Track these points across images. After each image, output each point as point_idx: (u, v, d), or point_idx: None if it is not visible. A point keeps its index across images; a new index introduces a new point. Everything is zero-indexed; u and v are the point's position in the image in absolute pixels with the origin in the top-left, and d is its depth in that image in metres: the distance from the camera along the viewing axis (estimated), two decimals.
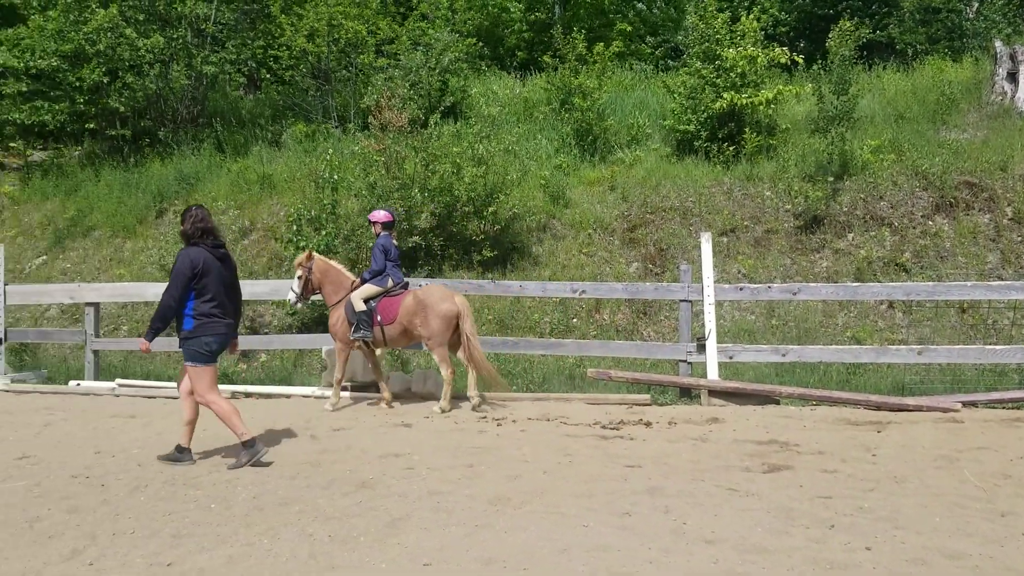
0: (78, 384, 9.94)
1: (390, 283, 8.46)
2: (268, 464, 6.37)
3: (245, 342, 10.64)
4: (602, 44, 15.25)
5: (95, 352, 10.26)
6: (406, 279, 8.78)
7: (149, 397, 9.40)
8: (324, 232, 10.99)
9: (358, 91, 14.85)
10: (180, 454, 6.48)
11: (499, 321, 10.85)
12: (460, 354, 8.41)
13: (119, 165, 14.43)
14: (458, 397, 8.64)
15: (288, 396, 9.32)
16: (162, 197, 13.54)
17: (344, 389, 9.27)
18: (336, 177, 11.33)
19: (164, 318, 6.28)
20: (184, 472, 6.19)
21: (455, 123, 13.64)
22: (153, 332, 6.33)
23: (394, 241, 8.70)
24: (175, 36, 14.45)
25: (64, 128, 15.02)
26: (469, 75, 15.35)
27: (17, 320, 11.50)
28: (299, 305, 8.74)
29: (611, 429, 7.54)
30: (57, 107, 14.19)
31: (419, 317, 8.18)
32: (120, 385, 9.70)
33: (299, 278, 8.53)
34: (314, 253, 8.72)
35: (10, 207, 14.47)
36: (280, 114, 15.57)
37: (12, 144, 15.87)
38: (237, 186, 13.33)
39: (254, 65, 16.49)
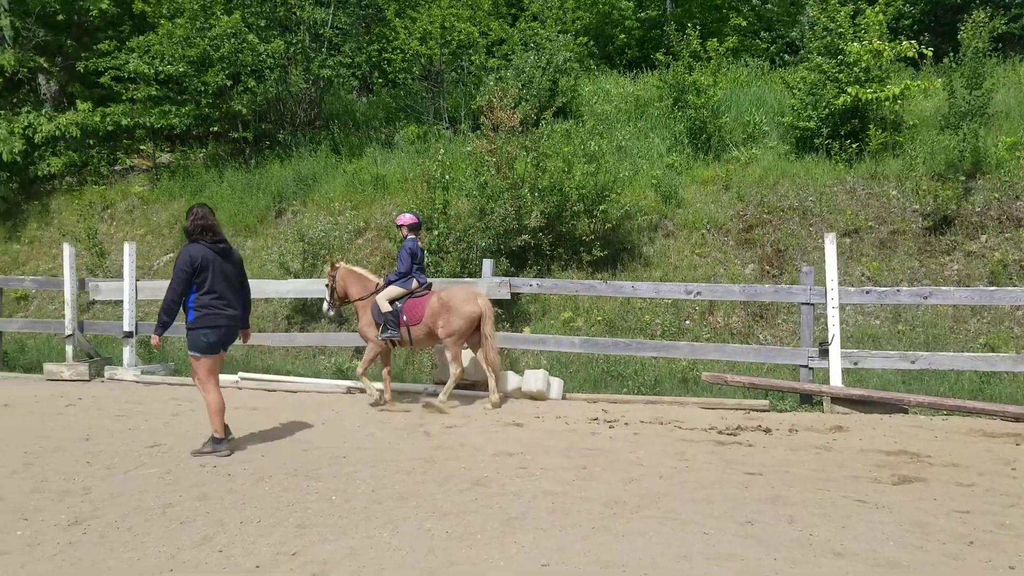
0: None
1: (415, 284, 8.63)
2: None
3: (358, 339, 10.85)
4: (715, 40, 14.92)
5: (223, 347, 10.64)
6: (430, 280, 8.99)
7: (269, 390, 9.70)
8: (436, 232, 11.10)
9: (469, 92, 14.98)
10: (215, 445, 6.68)
11: (608, 322, 10.73)
12: (479, 354, 8.58)
13: (241, 166, 14.96)
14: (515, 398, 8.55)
15: (401, 393, 9.44)
16: (281, 197, 13.97)
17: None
18: (448, 177, 11.43)
19: (168, 312, 6.55)
20: (305, 464, 6.33)
21: (565, 122, 13.58)
22: (161, 326, 6.61)
23: (420, 244, 8.88)
24: (294, 41, 14.89)
25: (190, 131, 15.68)
26: (580, 74, 15.26)
27: (146, 315, 12.05)
28: (331, 312, 9.05)
29: (728, 435, 7.33)
30: (183, 111, 14.81)
31: (443, 318, 8.33)
32: (243, 378, 10.05)
33: (327, 287, 8.89)
34: (337, 263, 9.03)
35: (140, 206, 15.20)
36: (393, 116, 15.85)
37: (142, 147, 16.69)
38: (352, 186, 13.63)
39: (368, 68, 16.85)
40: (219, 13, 14.36)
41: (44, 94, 17.04)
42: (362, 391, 9.52)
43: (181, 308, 6.62)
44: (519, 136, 11.48)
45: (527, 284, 9.91)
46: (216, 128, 15.22)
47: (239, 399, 9.21)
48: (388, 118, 15.82)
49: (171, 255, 13.91)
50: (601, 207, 11.01)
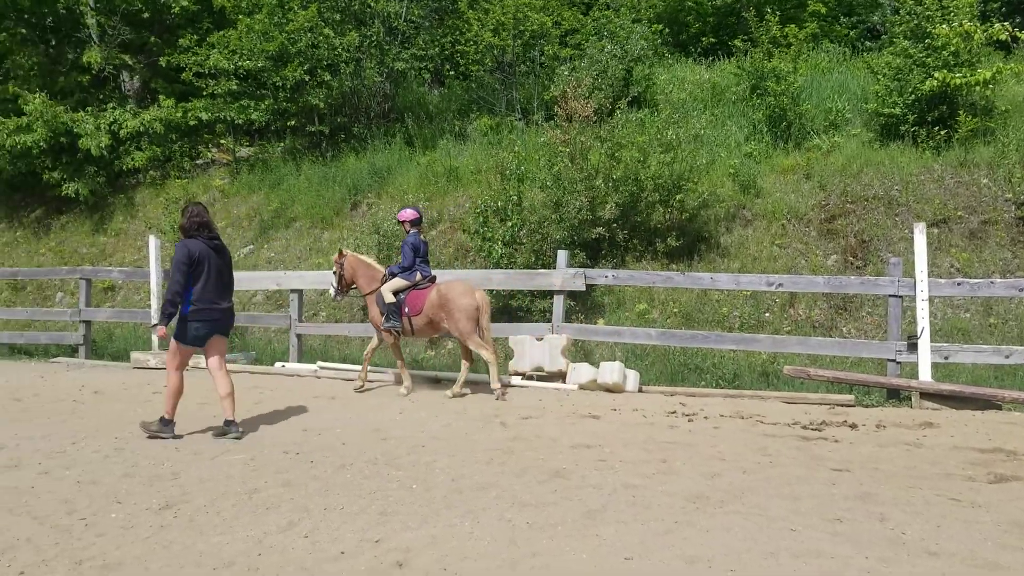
0: (283, 365, 10.54)
1: (418, 277, 8.92)
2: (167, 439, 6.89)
3: None
4: (794, 26, 14.53)
5: (298, 336, 10.84)
6: (433, 273, 9.19)
7: (347, 380, 9.82)
8: (509, 223, 11.08)
9: (542, 83, 14.91)
10: (229, 427, 7.04)
11: (685, 314, 10.57)
12: (483, 351, 8.67)
13: (317, 160, 15.19)
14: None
15: (475, 383, 9.46)
16: (356, 190, 14.13)
17: (530, 378, 9.34)
18: (522, 169, 11.40)
19: (173, 303, 6.85)
20: (385, 453, 6.38)
21: (640, 111, 13.40)
22: (166, 317, 6.90)
23: (422, 237, 9.13)
24: (369, 34, 15.03)
25: (268, 125, 15.98)
26: (654, 62, 15.04)
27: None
28: (338, 298, 9.48)
29: (813, 430, 7.14)
30: (262, 106, 15.09)
31: (444, 311, 8.59)
32: (321, 367, 10.21)
33: (334, 274, 9.19)
34: (345, 251, 9.31)
35: (220, 200, 15.56)
36: (465, 108, 15.88)
37: (222, 141, 17.07)
38: (426, 179, 13.71)
39: (440, 61, 16.92)
40: (296, 8, 14.58)
41: (128, 91, 17.57)
42: (437, 381, 9.59)
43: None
44: (593, 126, 11.38)
45: (603, 275, 9.83)
46: (293, 122, 15.46)
47: (318, 388, 9.37)
48: (461, 110, 15.86)
49: (251, 247, 14.22)
50: (678, 197, 10.84)
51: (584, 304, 10.93)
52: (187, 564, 4.31)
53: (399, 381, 9.22)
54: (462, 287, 8.72)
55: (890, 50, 12.84)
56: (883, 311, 9.61)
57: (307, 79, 14.58)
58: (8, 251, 16.20)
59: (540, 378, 9.29)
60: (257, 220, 14.59)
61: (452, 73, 17.30)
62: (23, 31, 16.48)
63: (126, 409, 8.30)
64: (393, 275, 8.92)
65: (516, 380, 9.33)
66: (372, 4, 15.04)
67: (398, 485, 5.55)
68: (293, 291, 10.93)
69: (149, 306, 11.50)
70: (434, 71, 17.21)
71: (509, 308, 11.08)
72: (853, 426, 7.25)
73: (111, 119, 15.70)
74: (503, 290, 10.85)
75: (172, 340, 7.05)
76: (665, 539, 4.55)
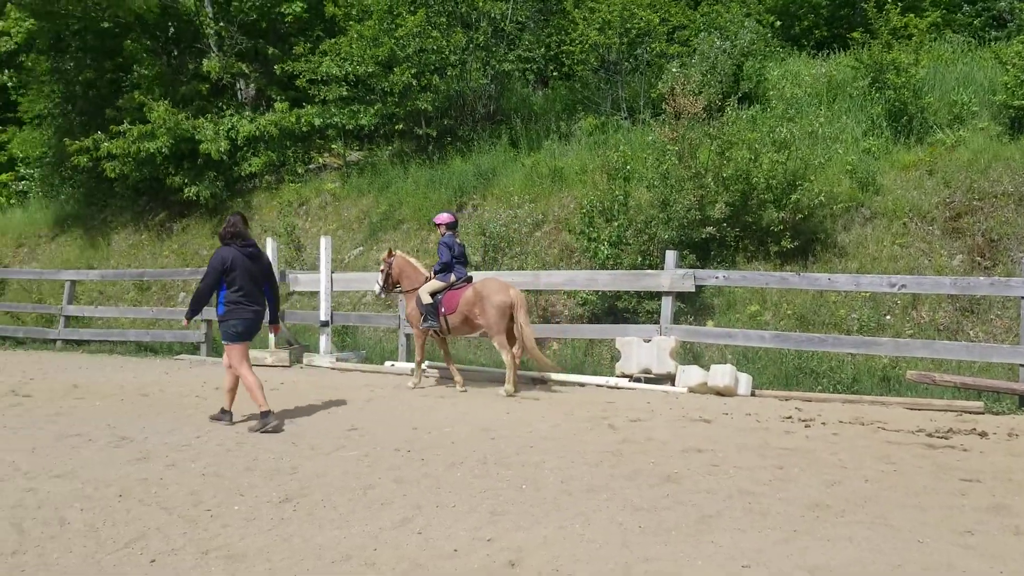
0: (392, 364, 10.74)
1: (453, 278, 9.29)
2: (277, 432, 7.28)
3: (538, 330, 10.95)
4: (914, 15, 13.91)
5: (407, 336, 11.02)
6: (469, 274, 9.56)
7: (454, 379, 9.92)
8: (616, 223, 10.98)
9: (648, 81, 14.73)
10: (222, 415, 7.64)
11: (800, 316, 10.24)
12: (515, 347, 8.98)
13: (424, 162, 15.42)
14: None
15: (582, 384, 9.42)
16: (462, 192, 14.28)
17: (637, 381, 9.23)
18: (628, 168, 11.27)
19: (198, 301, 7.48)
20: (494, 452, 6.40)
21: (751, 108, 13.07)
22: (191, 312, 7.61)
23: (457, 239, 9.53)
24: (475, 36, 15.17)
25: (377, 130, 16.32)
26: (766, 57, 14.64)
27: (339, 305, 12.65)
28: (382, 295, 9.89)
29: (939, 438, 6.80)
30: (372, 111, 15.42)
31: (477, 307, 8.88)
32: (428, 367, 10.34)
33: (381, 272, 9.63)
34: (395, 251, 9.80)
35: (332, 203, 15.98)
36: (570, 108, 15.84)
37: (333, 146, 17.54)
38: (530, 180, 13.73)
39: (545, 61, 16.92)
40: (404, 13, 14.83)
41: (244, 98, 18.26)
42: (543, 382, 9.60)
43: (212, 303, 7.61)
44: (702, 123, 11.16)
45: (713, 276, 9.62)
46: (401, 126, 15.75)
47: (427, 387, 9.51)
48: (565, 110, 15.82)
49: (361, 248, 14.55)
50: (793, 196, 10.49)
51: (693, 305, 10.73)
52: (307, 557, 4.41)
53: (450, 377, 9.68)
54: (496, 284, 8.99)
55: (1020, 38, 12.12)
56: (1014, 313, 9.07)
57: (415, 83, 14.81)
58: (134, 253, 17.07)
59: (648, 380, 9.18)
60: (366, 222, 14.91)
61: (556, 74, 17.27)
62: (148, 42, 17.34)
63: (247, 405, 8.59)
64: (434, 276, 9.35)
65: (624, 382, 9.23)
66: (479, 5, 15.16)
67: (508, 485, 5.56)
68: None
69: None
70: (539, 72, 17.23)
71: (615, 309, 10.98)
72: (983, 434, 6.88)
73: (229, 125, 16.34)
74: (609, 291, 10.76)
75: (224, 343, 7.60)
76: (783, 548, 4.41)
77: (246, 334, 7.52)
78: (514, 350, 8.95)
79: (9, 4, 16.35)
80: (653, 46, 14.89)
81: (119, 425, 7.59)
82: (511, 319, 8.87)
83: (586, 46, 15.09)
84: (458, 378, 9.45)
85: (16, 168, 20.29)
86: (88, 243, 17.62)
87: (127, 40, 16.87)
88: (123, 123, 16.14)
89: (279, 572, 4.24)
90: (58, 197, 19.20)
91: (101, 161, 16.25)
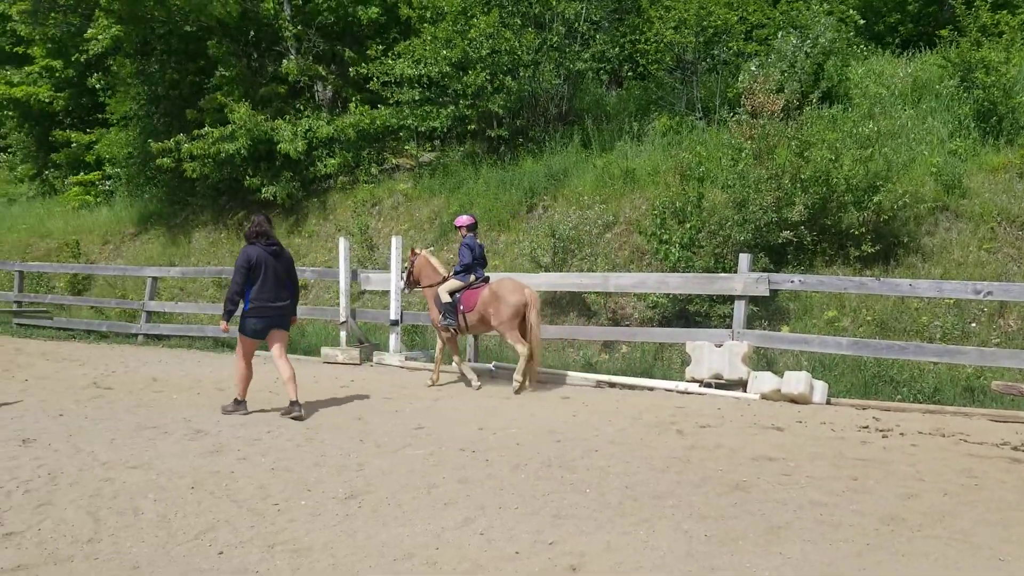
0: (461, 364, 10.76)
1: (472, 278, 9.60)
2: (227, 414, 7.91)
3: (607, 333, 10.86)
4: (1006, 12, 13.34)
5: (475, 336, 11.04)
6: (487, 275, 9.83)
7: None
8: (688, 225, 10.80)
9: (725, 80, 14.47)
10: (292, 407, 7.81)
11: (879, 323, 9.90)
12: (527, 339, 9.19)
13: (496, 163, 15.44)
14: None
15: (651, 388, 9.29)
16: (532, 193, 14.24)
17: (708, 386, 9.06)
18: (703, 168, 11.07)
19: (232, 301, 7.80)
20: (559, 455, 6.35)
21: (832, 107, 12.70)
22: (227, 313, 7.84)
23: (478, 241, 9.88)
24: (548, 38, 15.13)
25: (449, 131, 16.42)
26: (848, 56, 14.20)
27: (409, 304, 12.75)
28: (407, 291, 10.28)
29: None
30: (444, 113, 15.52)
31: (492, 307, 9.18)
32: (496, 367, 10.34)
33: (404, 270, 10.15)
34: (418, 250, 10.11)
35: (404, 203, 16.14)
36: (644, 108, 15.66)
37: (406, 147, 17.72)
38: (602, 180, 13.62)
39: (619, 61, 16.77)
40: (478, 14, 14.89)
41: (321, 100, 18.58)
42: (611, 385, 9.50)
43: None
44: (780, 123, 10.88)
45: (788, 280, 9.38)
46: (473, 127, 15.81)
47: (493, 387, 9.49)
48: (639, 110, 15.65)
49: (431, 249, 14.63)
50: (875, 198, 10.14)
51: (767, 310, 10.48)
52: (370, 553, 4.44)
53: (462, 377, 9.88)
54: (512, 284, 9.31)
55: None
56: None
57: (488, 84, 14.85)
58: (214, 251, 17.54)
59: (719, 386, 8.99)
60: (437, 223, 15.00)
61: (631, 73, 17.10)
62: (229, 46, 17.81)
63: (316, 401, 8.73)
64: (455, 275, 9.67)
65: (693, 387, 9.07)
66: (553, 5, 15.11)
67: (572, 488, 5.51)
68: None
69: (338, 304, 12.07)
70: (613, 71, 17.09)
71: (686, 313, 10.80)
72: None
73: (306, 127, 16.65)
74: (680, 294, 10.58)
75: (238, 336, 8.00)
76: (856, 561, 4.27)
77: (263, 332, 7.93)
78: (529, 346, 9.14)
79: (97, 10, 16.96)
80: (730, 45, 14.62)
81: (194, 418, 7.79)
82: (523, 318, 9.19)
83: (661, 45, 14.90)
84: (471, 375, 9.73)
85: (103, 168, 21.04)
86: (170, 241, 18.18)
87: (209, 43, 17.35)
88: (204, 124, 16.59)
89: (342, 568, 4.27)
90: (142, 196, 19.84)
91: (182, 162, 16.73)
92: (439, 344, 9.93)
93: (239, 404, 8.03)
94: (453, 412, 8.07)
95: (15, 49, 22.82)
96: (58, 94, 22.27)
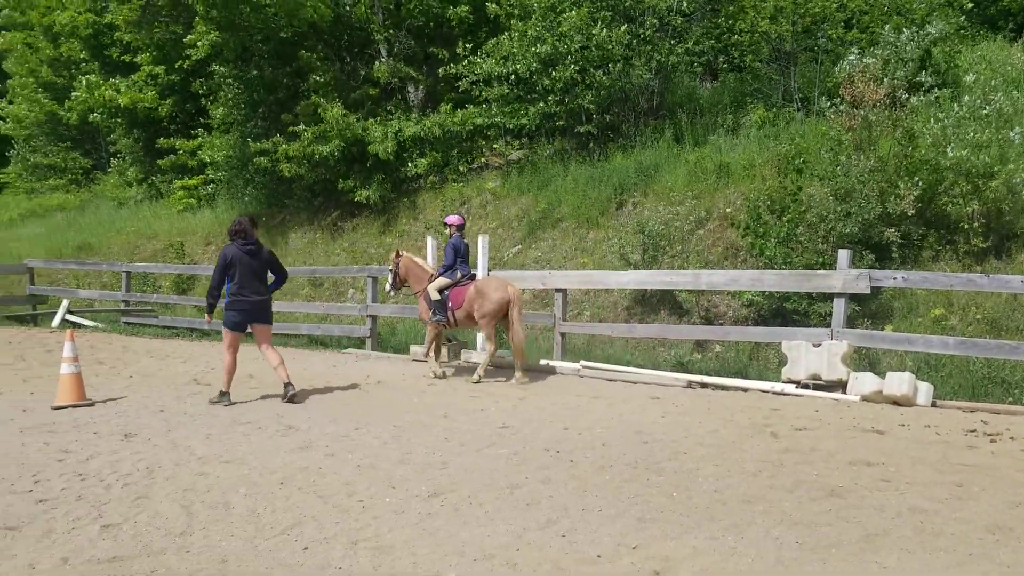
0: (547, 363, 10.70)
1: (459, 275, 10.20)
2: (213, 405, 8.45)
3: (699, 331, 10.60)
4: None
5: (562, 334, 10.97)
6: (473, 272, 10.61)
7: (610, 380, 9.76)
8: (785, 219, 10.45)
9: (824, 70, 13.95)
10: (223, 396, 8.51)
11: (990, 321, 9.36)
12: (509, 335, 9.84)
13: (585, 160, 15.32)
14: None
15: (745, 389, 9.02)
16: (622, 189, 14.06)
17: (806, 387, 8.74)
18: (801, 160, 10.68)
19: (211, 295, 8.59)
20: (646, 457, 6.21)
21: (939, 94, 12.09)
22: (208, 307, 8.73)
23: (464, 241, 10.45)
24: (639, 32, 14.91)
25: (538, 128, 16.36)
26: (957, 41, 13.49)
27: None
28: (392, 292, 10.74)
29: None
30: (532, 110, 15.47)
31: (477, 302, 9.74)
32: (584, 367, 10.23)
33: (390, 271, 10.54)
34: (402, 252, 10.67)
35: (492, 202, 16.18)
36: (738, 101, 15.27)
37: (495, 145, 17.76)
38: (694, 176, 13.34)
39: (713, 53, 16.40)
40: (567, 9, 14.78)
41: (412, 101, 18.81)
42: (703, 385, 9.27)
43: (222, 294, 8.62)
44: (884, 112, 10.41)
45: (891, 277, 8.94)
46: (561, 123, 15.72)
47: (581, 387, 9.39)
48: (733, 103, 15.26)
49: (519, 247, 14.64)
50: (992, 183, 9.53)
51: (869, 308, 10.04)
52: (451, 552, 4.42)
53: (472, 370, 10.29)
54: (496, 283, 9.91)
55: None
56: None
57: (577, 80, 14.73)
58: (308, 251, 17.96)
59: (816, 387, 8.66)
60: (526, 220, 14.98)
61: (725, 65, 16.70)
62: (323, 50, 18.21)
63: (404, 399, 8.81)
64: (441, 274, 10.25)
65: (790, 388, 8.76)
66: None
67: (658, 491, 5.37)
68: (558, 290, 11.07)
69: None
70: (706, 64, 16.72)
71: (783, 311, 10.46)
72: None
73: (396, 127, 16.89)
74: (776, 292, 10.25)
75: (223, 329, 8.70)
76: (957, 572, 4.07)
77: (242, 324, 8.66)
78: (512, 342, 9.80)
79: (197, 18, 17.59)
80: (830, 33, 14.08)
81: (286, 414, 7.96)
82: (506, 315, 9.73)
83: (756, 35, 14.48)
84: (436, 369, 10.26)
85: (206, 172, 21.83)
86: (267, 241, 18.68)
87: (303, 49, 17.78)
88: (299, 126, 17.01)
89: (422, 566, 4.26)
90: (242, 198, 20.49)
91: (279, 163, 17.19)
92: (428, 338, 10.43)
93: (223, 395, 8.54)
94: (538, 411, 8.01)
95: (122, 58, 23.89)
96: (163, 101, 23.22)
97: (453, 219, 10.51)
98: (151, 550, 4.53)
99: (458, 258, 10.26)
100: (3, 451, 6.67)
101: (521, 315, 9.79)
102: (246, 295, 8.58)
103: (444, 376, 10.18)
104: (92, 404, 8.49)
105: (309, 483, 5.68)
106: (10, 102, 30.98)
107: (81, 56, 26.60)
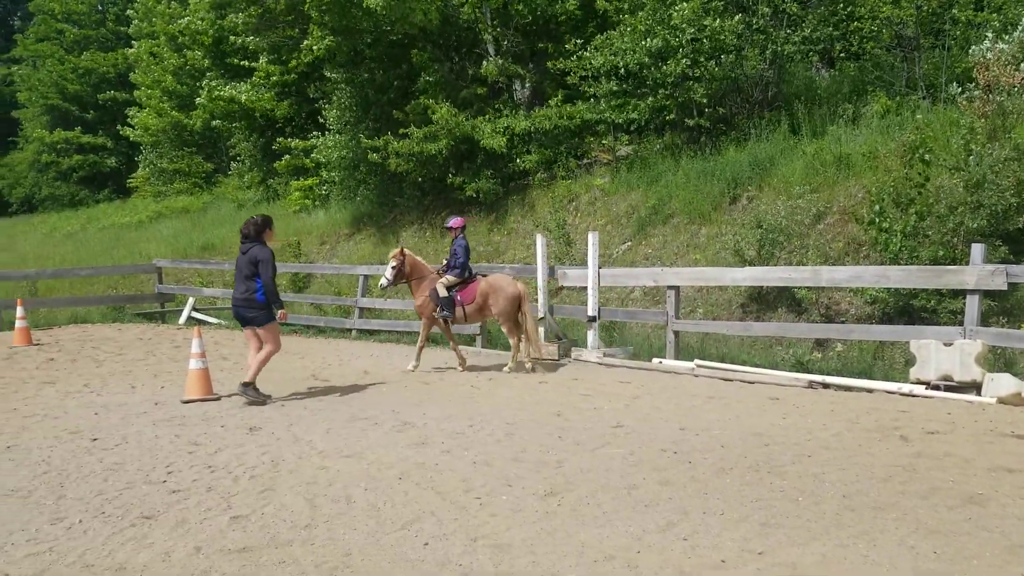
0: (660, 362, 10.53)
1: (466, 274, 10.84)
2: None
3: (820, 330, 10.22)
4: None
5: (675, 332, 10.77)
6: (476, 270, 11.31)
7: (726, 380, 9.51)
8: (912, 211, 9.95)
9: (952, 55, 13.23)
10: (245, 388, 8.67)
11: None
12: (511, 337, 10.68)
13: (696, 154, 15.00)
14: None
15: (870, 390, 8.64)
16: (735, 183, 13.69)
17: (936, 388, 8.31)
18: (928, 150, 10.14)
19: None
20: (768, 459, 6.01)
21: None
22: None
23: (466, 241, 11.03)
24: (753, 20, 14.50)
25: (647, 123, 16.12)
26: None
27: (606, 300, 12.64)
28: (385, 285, 10.85)
29: None
30: (642, 105, 15.24)
31: (492, 298, 10.47)
32: (698, 366, 10.01)
33: (392, 268, 10.73)
34: (405, 249, 11.03)
35: (601, 198, 16.05)
36: (859, 89, 14.65)
37: (604, 141, 17.61)
38: (812, 168, 12.86)
39: (831, 41, 15.78)
40: (678, 1, 14.51)
41: (519, 99, 18.84)
42: (825, 386, 8.93)
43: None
44: (1021, 98, 9.77)
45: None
46: (672, 117, 15.44)
47: (695, 387, 9.19)
48: (854, 92, 14.65)
49: (628, 244, 14.46)
50: None
51: (1005, 305, 9.46)
52: (569, 553, 4.37)
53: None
54: (506, 279, 10.73)
55: None
56: None
57: (688, 72, 14.44)
58: (420, 249, 18.18)
59: (948, 388, 8.22)
60: (635, 217, 14.79)
61: (843, 54, 16.05)
62: (431, 51, 18.47)
63: (516, 396, 8.82)
64: (447, 271, 10.80)
65: (919, 390, 8.34)
66: None
67: (782, 495, 5.19)
68: (670, 287, 10.87)
69: (536, 300, 12.16)
70: (823, 52, 16.12)
71: (910, 309, 9.96)
72: None
73: (505, 124, 16.96)
74: (903, 288, 9.77)
75: None
76: None
77: (238, 321, 9.00)
78: (526, 332, 10.47)
79: (311, 24, 18.12)
80: (959, 16, 13.33)
81: (402, 410, 8.09)
82: (519, 309, 10.43)
83: (878, 21, 13.85)
84: (462, 357, 10.94)
85: (320, 173, 22.50)
86: (380, 240, 19.11)
87: (413, 50, 18.06)
88: (410, 126, 17.31)
89: (542, 566, 4.23)
90: (354, 198, 21.01)
91: (389, 160, 17.55)
92: (423, 333, 11.05)
93: (245, 388, 8.69)
94: (653, 411, 7.87)
95: (241, 63, 24.87)
96: (279, 103, 24.05)
97: (458, 222, 11.09)
98: (278, 541, 4.66)
99: (467, 258, 10.92)
100: (138, 443, 7.02)
101: (531, 310, 10.73)
102: (233, 294, 8.86)
103: (415, 370, 10.75)
104: (218, 398, 8.84)
105: (426, 479, 5.74)
106: (138, 110, 32.75)
107: (204, 63, 27.82)
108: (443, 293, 10.61)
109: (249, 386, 8.59)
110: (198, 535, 4.78)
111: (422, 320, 11.08)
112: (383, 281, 10.87)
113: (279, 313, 8.75)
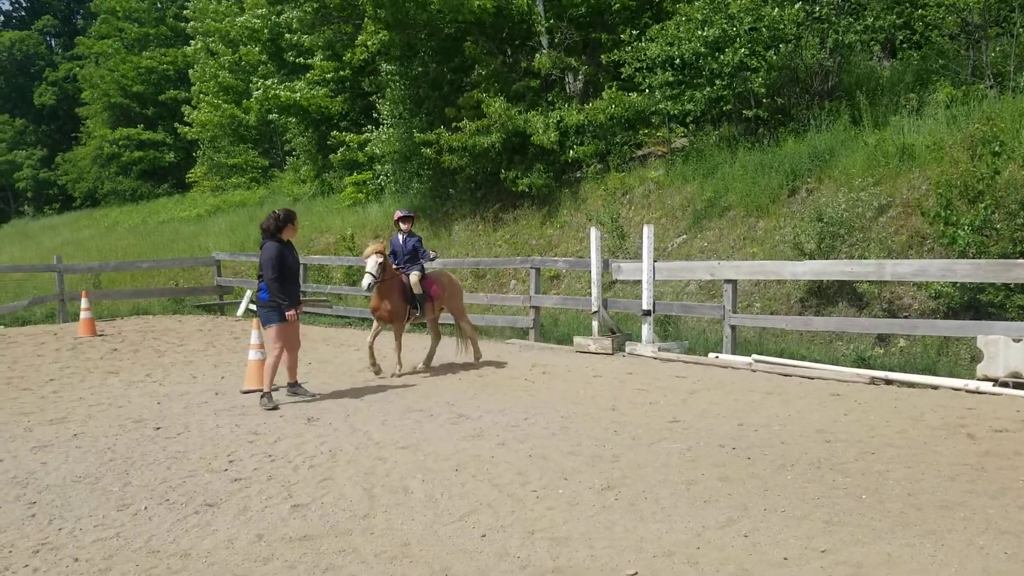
0: (716, 356, 10.39)
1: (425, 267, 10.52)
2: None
3: (882, 325, 10.00)
4: None
5: (732, 327, 10.61)
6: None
7: (784, 375, 9.34)
8: (981, 205, 9.65)
9: (1021, 42, 12.79)
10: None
11: None
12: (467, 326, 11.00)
13: (753, 146, 14.75)
14: None
15: (935, 387, 8.41)
16: (795, 175, 13.43)
17: (1004, 385, 8.05)
18: (998, 140, 9.82)
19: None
20: (830, 456, 5.89)
21: None
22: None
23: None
24: (814, 10, 14.21)
25: (703, 114, 15.90)
26: None
27: (661, 294, 12.51)
28: (368, 285, 9.88)
29: None
30: (698, 96, 15.03)
31: (449, 291, 10.62)
32: (756, 360, 9.85)
33: (380, 264, 9.85)
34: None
35: (655, 191, 15.89)
36: (922, 79, 14.26)
37: (659, 132, 17.43)
38: (874, 159, 12.55)
39: (893, 30, 15.39)
40: None
41: (573, 92, 18.75)
42: (887, 382, 8.73)
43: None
44: None
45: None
46: (728, 108, 15.21)
47: (753, 382, 9.03)
48: (917, 81, 14.26)
49: (684, 237, 14.31)
50: None
51: None
52: (628, 548, 4.34)
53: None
54: (452, 275, 11.30)
55: None
56: None
57: (746, 62, 14.20)
58: (471, 242, 18.29)
59: (1017, 385, 7.95)
60: (690, 210, 14.62)
61: (905, 44, 15.63)
62: (485, 44, 18.47)
63: (570, 390, 8.78)
64: (421, 267, 10.35)
65: (986, 387, 8.09)
66: None
67: (845, 493, 5.08)
68: (727, 281, 10.71)
69: (590, 294, 12.09)
70: (885, 41, 15.71)
71: (977, 303, 9.68)
72: None
73: (557, 117, 16.89)
74: (970, 283, 9.49)
75: None
76: None
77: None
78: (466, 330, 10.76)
79: (366, 19, 18.26)
80: None
81: (457, 402, 8.11)
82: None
83: (942, 8, 13.45)
84: (401, 360, 10.27)
85: (374, 167, 22.68)
86: (432, 233, 19.20)
87: (466, 43, 18.08)
88: (462, 120, 17.34)
89: (600, 560, 4.21)
90: (407, 192, 21.14)
91: (442, 154, 17.60)
92: (399, 332, 10.35)
93: (292, 386, 8.73)
94: (710, 406, 7.76)
95: (297, 60, 25.16)
96: (334, 98, 24.30)
97: (405, 214, 10.64)
98: (338, 530, 4.71)
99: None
100: (200, 431, 7.16)
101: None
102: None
103: (380, 372, 9.99)
104: (276, 389, 8.96)
105: (483, 471, 5.74)
106: (194, 107, 33.39)
107: (260, 59, 28.19)
108: (418, 290, 10.12)
109: (267, 394, 8.29)
110: (260, 523, 4.85)
111: (394, 324, 10.25)
112: (368, 280, 9.97)
113: (288, 313, 8.27)
